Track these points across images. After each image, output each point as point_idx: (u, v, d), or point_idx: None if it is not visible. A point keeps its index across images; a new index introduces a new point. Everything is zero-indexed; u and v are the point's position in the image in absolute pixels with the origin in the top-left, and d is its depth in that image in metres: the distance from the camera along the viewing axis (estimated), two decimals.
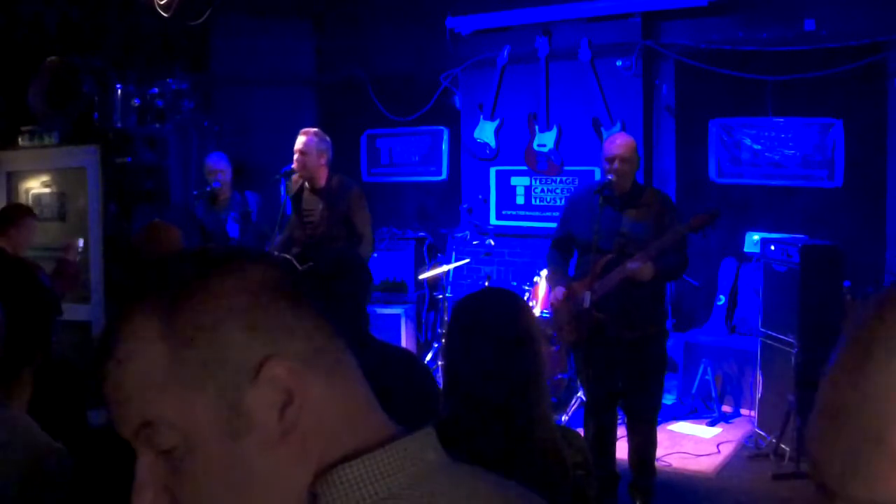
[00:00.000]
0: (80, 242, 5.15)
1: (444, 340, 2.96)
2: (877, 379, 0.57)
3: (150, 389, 0.76)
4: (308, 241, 4.97)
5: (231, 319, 0.77)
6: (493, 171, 7.01)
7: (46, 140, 6.25)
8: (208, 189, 5.54)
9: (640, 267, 4.00)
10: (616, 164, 4.12)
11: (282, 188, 5.26)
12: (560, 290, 4.26)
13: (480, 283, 6.55)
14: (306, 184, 5.08)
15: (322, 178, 5.03)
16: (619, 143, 4.21)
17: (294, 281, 0.83)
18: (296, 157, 4.96)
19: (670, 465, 4.94)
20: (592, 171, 6.37)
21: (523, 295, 5.91)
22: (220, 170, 5.67)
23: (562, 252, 4.42)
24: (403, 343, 6.60)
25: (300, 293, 0.83)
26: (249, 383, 0.76)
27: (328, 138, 5.06)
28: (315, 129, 5.10)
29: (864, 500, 0.56)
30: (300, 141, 4.97)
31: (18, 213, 4.93)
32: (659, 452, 4.48)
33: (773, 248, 5.22)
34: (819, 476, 0.59)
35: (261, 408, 0.76)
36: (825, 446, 0.59)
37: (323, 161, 5.00)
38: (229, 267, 0.81)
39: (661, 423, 4.92)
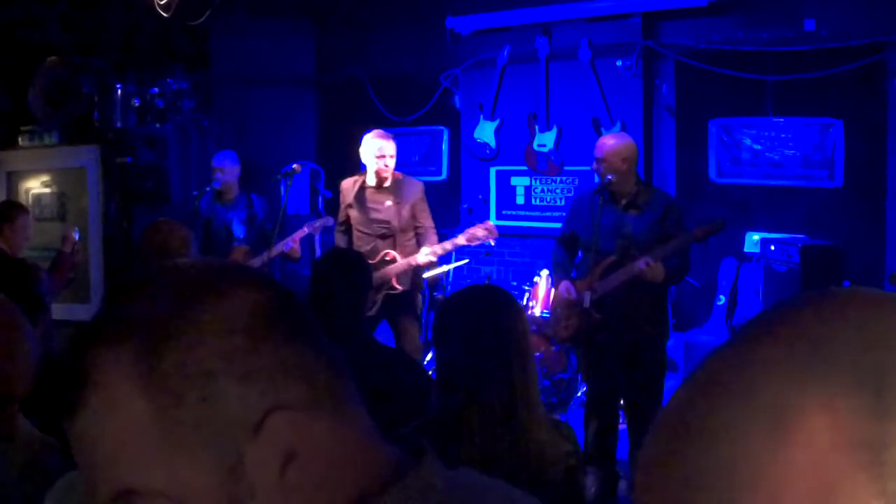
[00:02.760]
0: (77, 233, 5.07)
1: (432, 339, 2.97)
2: (687, 465, 0.48)
3: (130, 454, 0.65)
4: (377, 236, 4.97)
5: (223, 368, 0.66)
6: (493, 171, 7.01)
7: (46, 140, 6.26)
8: (208, 189, 5.51)
9: (649, 266, 3.92)
10: (601, 167, 4.14)
11: (282, 188, 5.25)
12: (567, 284, 4.24)
13: (480, 283, 6.54)
14: (366, 181, 5.03)
15: (392, 175, 5.03)
16: (605, 145, 4.21)
17: (288, 305, 0.73)
18: (383, 163, 4.88)
19: None
20: (592, 172, 6.35)
21: (523, 295, 5.90)
22: (217, 168, 5.61)
23: (567, 250, 4.44)
24: None
25: (297, 320, 0.72)
26: (250, 443, 0.66)
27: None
28: (382, 131, 5.05)
29: None
30: (386, 146, 4.90)
31: (11, 210, 4.72)
32: None
33: (773, 248, 5.22)
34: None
35: (264, 469, 0.66)
36: (646, 492, 0.52)
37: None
38: (214, 297, 0.69)
39: None
